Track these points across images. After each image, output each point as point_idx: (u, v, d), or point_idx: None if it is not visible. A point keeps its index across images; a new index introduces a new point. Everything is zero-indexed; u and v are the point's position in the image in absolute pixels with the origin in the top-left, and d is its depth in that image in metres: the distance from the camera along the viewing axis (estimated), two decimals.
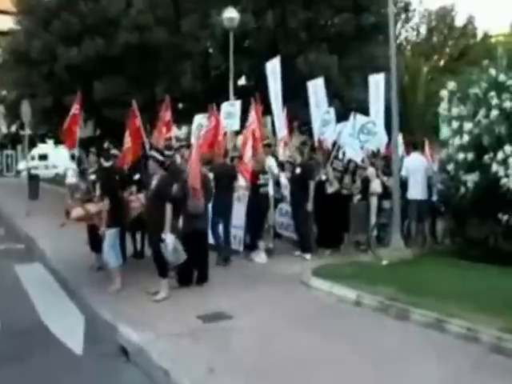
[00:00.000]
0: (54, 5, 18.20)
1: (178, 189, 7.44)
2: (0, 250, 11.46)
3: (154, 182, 6.99)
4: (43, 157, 36.60)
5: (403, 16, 29.18)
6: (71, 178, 18.76)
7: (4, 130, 34.93)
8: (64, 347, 5.60)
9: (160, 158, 7.09)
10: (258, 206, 9.86)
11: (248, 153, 9.65)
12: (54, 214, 15.18)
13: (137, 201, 8.21)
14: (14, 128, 31.82)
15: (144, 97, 18.40)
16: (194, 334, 5.64)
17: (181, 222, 7.51)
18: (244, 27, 14.64)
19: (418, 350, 5.32)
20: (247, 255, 9.78)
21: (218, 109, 11.87)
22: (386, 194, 10.72)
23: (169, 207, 6.66)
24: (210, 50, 17.59)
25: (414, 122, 19.68)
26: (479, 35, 31.69)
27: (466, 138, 9.08)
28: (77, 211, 7.82)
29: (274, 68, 12.15)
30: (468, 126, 9.04)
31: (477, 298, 6.40)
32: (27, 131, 17.40)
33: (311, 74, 15.16)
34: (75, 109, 10.63)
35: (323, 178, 10.51)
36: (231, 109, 11.62)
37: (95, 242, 8.68)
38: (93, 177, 8.49)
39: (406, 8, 27.50)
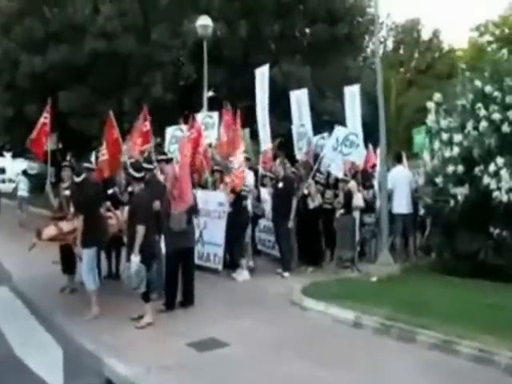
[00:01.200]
0: (15, 10, 17.51)
1: (160, 205, 7.06)
2: None
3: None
4: (1, 170, 35.35)
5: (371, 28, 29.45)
6: (23, 191, 18.21)
7: None
8: (43, 382, 5.08)
9: (136, 174, 6.71)
10: (239, 221, 9.51)
11: (236, 164, 9.30)
12: (16, 231, 14.66)
13: (114, 217, 7.84)
14: None
15: (111, 107, 17.90)
16: (188, 365, 5.24)
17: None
18: (217, 36, 14.34)
19: (428, 374, 5.07)
20: (228, 274, 9.39)
21: (186, 122, 11.58)
22: (367, 208, 10.62)
23: (140, 228, 6.27)
24: (181, 60, 17.15)
25: (387, 135, 19.66)
26: (445, 48, 32.41)
27: (455, 149, 8.98)
28: (49, 230, 7.27)
29: (262, 76, 11.84)
30: (458, 137, 8.96)
31: (480, 318, 6.22)
32: None
33: (285, 85, 15.04)
34: (44, 117, 10.01)
35: (305, 192, 10.26)
36: (209, 120, 11.30)
37: (68, 263, 8.28)
38: (67, 192, 8.04)
39: (373, 21, 27.60)
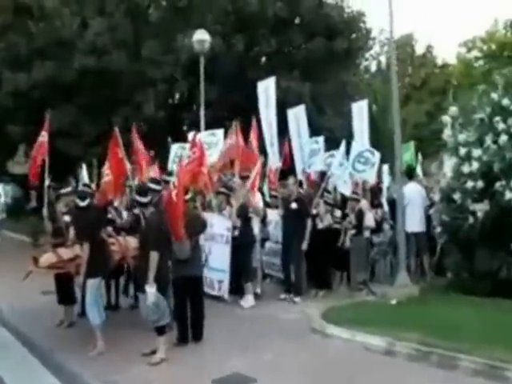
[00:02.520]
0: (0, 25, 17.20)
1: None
2: None
3: (142, 225, 6.33)
4: None
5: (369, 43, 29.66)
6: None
7: None
8: None
9: (141, 199, 6.37)
10: (246, 244, 9.19)
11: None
12: (2, 261, 14.10)
13: (116, 244, 7.41)
14: None
15: (98, 127, 17.61)
16: None
17: None
18: (212, 51, 14.14)
19: None
20: (234, 300, 9.06)
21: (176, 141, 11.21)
22: (376, 227, 10.38)
23: (154, 255, 5.90)
24: (175, 76, 16.92)
25: (387, 151, 19.64)
26: (439, 63, 32.77)
27: (475, 164, 8.81)
28: (47, 257, 6.90)
29: (266, 89, 11.53)
30: (477, 152, 8.80)
31: None
32: None
33: (284, 101, 14.84)
34: (42, 136, 9.54)
35: (313, 212, 9.98)
36: (212, 139, 10.99)
37: (64, 293, 7.85)
38: (66, 218, 7.67)
39: (368, 37, 27.89)
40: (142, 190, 6.60)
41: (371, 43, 32.42)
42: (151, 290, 5.77)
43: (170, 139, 11.59)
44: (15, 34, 17.08)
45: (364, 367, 5.89)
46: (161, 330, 6.10)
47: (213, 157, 10.70)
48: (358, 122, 12.64)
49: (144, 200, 6.31)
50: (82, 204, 6.83)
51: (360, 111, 12.64)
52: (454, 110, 9.59)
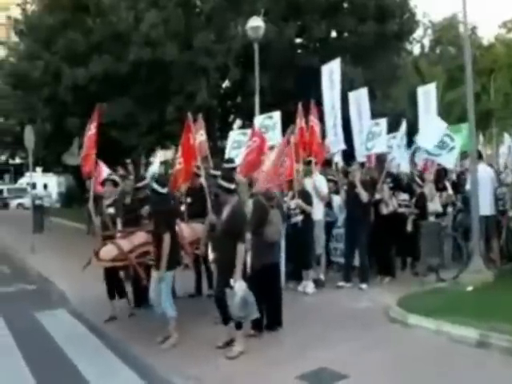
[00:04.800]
0: (59, 23, 17.06)
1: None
2: (11, 293, 10.04)
3: (224, 216, 5.71)
4: (33, 186, 35.15)
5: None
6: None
7: None
8: None
9: (229, 185, 5.77)
10: (305, 230, 8.59)
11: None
12: (62, 249, 14.08)
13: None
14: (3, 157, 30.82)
15: (152, 118, 17.37)
16: None
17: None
18: (265, 38, 13.50)
19: None
20: (291, 288, 8.50)
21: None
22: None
23: (241, 247, 5.42)
24: (227, 64, 16.40)
25: None
26: (484, 44, 31.23)
27: None
28: (108, 250, 6.42)
29: (330, 72, 10.94)
30: None
31: None
32: (30, 159, 15.99)
33: None
34: (92, 129, 8.96)
35: (377, 197, 9.28)
36: (269, 122, 10.37)
37: (114, 287, 7.40)
38: (111, 210, 7.26)
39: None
40: (229, 177, 6.07)
41: (414, 26, 31.47)
42: (240, 284, 5.27)
43: (256, 125, 10.78)
44: (73, 31, 16.92)
45: (457, 361, 5.26)
46: (239, 324, 5.60)
47: (273, 140, 10.09)
48: (423, 106, 11.90)
49: (231, 186, 5.76)
50: (163, 190, 6.22)
51: (427, 95, 11.89)
52: None
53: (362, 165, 10.47)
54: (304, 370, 4.95)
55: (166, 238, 5.92)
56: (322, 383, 4.70)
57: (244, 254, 5.49)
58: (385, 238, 9.14)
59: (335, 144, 10.98)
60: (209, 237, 6.75)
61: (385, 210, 9.22)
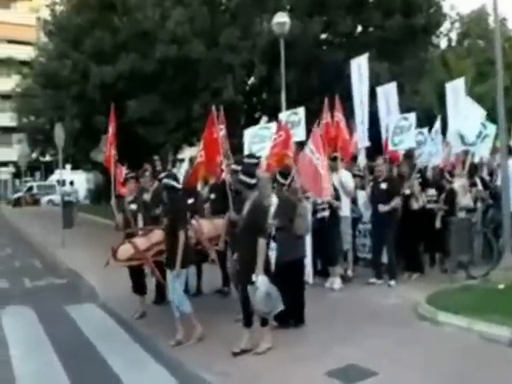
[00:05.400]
0: (86, 22, 17.26)
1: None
2: (42, 286, 10.23)
3: (245, 211, 5.60)
4: (63, 183, 35.81)
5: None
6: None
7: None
8: None
9: (250, 180, 5.67)
10: (330, 227, 8.49)
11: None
12: (92, 244, 14.25)
13: (191, 229, 6.74)
14: (34, 155, 31.32)
15: (179, 115, 17.44)
16: None
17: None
18: (291, 33, 13.40)
19: None
20: (319, 284, 8.44)
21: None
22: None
23: (262, 242, 5.32)
24: (253, 61, 16.36)
25: None
26: None
27: None
28: (125, 249, 6.36)
29: (359, 67, 10.84)
30: None
31: None
32: (60, 156, 16.24)
33: None
34: (110, 130, 9.01)
35: (407, 192, 9.11)
36: (295, 117, 10.29)
37: (139, 282, 7.38)
38: (133, 206, 7.21)
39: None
40: (250, 172, 5.98)
41: (442, 19, 30.83)
42: (262, 279, 5.19)
43: (282, 119, 10.69)
44: (101, 30, 17.09)
45: (488, 360, 5.12)
46: (265, 321, 5.51)
47: (298, 136, 10.01)
48: (451, 101, 11.64)
49: (252, 181, 5.67)
50: (178, 185, 6.13)
51: (455, 91, 11.65)
52: None
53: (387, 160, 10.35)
54: (332, 367, 4.88)
55: (182, 235, 5.82)
56: (350, 380, 4.61)
57: (266, 249, 5.39)
58: (413, 233, 8.98)
59: (362, 139, 10.83)
60: (228, 233, 6.70)
61: (415, 206, 9.07)
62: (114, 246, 6.38)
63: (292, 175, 6.93)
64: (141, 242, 6.45)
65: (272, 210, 6.52)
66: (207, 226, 7.03)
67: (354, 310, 7.02)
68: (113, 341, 6.35)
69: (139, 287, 7.42)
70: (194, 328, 6.00)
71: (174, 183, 6.08)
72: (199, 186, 8.83)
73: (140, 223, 7.17)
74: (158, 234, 6.41)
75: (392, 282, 8.46)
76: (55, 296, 9.15)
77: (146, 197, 7.68)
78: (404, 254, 9.26)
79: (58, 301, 8.64)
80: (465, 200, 9.15)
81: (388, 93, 11.42)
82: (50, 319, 7.51)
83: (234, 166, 6.84)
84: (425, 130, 10.57)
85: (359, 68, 10.84)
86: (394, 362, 5.01)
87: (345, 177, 9.14)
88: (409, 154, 10.36)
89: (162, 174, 7.30)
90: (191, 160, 9.00)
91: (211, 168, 7.29)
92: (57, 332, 6.85)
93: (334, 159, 9.30)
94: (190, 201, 8.23)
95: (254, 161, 8.13)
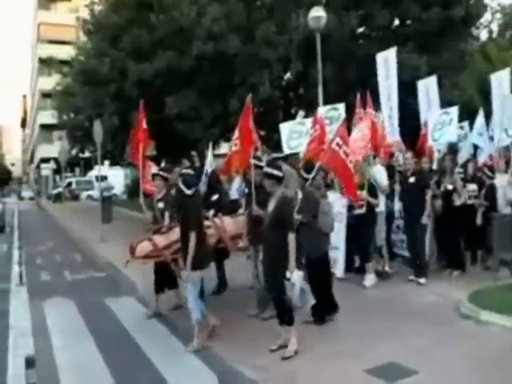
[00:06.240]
0: (124, 21, 17.47)
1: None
2: (81, 279, 10.45)
3: (272, 205, 5.45)
4: (104, 178, 36.46)
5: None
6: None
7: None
8: None
9: (277, 173, 5.53)
10: (365, 223, 8.35)
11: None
12: (129, 239, 14.35)
13: (213, 227, 6.70)
14: (74, 151, 31.97)
15: (216, 110, 17.48)
16: None
17: None
18: (327, 28, 13.23)
19: None
20: (351, 280, 8.32)
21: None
22: None
23: (292, 237, 5.17)
24: (289, 56, 16.25)
25: None
26: None
27: None
28: (143, 247, 6.31)
29: (386, 61, 10.60)
30: None
31: None
32: (99, 152, 16.51)
33: (398, 75, 13.73)
34: (140, 127, 8.89)
35: (449, 187, 8.88)
36: (334, 113, 10.13)
37: (163, 281, 7.21)
38: (161, 205, 7.11)
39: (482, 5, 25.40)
40: (277, 165, 5.85)
41: (482, 10, 29.88)
42: (297, 274, 5.13)
43: (320, 113, 10.52)
44: (138, 28, 17.26)
45: None
46: (291, 320, 5.35)
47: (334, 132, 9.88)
48: (496, 94, 11.27)
49: (280, 174, 5.53)
50: (189, 192, 5.85)
51: (500, 83, 11.27)
52: None
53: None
54: (371, 364, 4.79)
55: (192, 236, 5.64)
56: (390, 379, 4.50)
57: (295, 245, 5.25)
58: (454, 230, 8.77)
59: (391, 134, 10.58)
60: (249, 230, 6.56)
61: (458, 202, 8.83)
62: (133, 243, 6.35)
63: (316, 170, 6.82)
64: (160, 239, 6.40)
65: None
66: (230, 224, 6.92)
67: (391, 307, 6.88)
68: (151, 334, 6.40)
69: (165, 284, 7.25)
70: (194, 336, 5.80)
71: (182, 187, 5.89)
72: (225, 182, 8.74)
73: (166, 221, 7.01)
74: (177, 232, 6.25)
75: (422, 280, 8.21)
76: (95, 289, 9.33)
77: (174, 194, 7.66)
78: (445, 251, 9.06)
79: (97, 293, 8.79)
80: (506, 196, 8.83)
81: (428, 86, 11.15)
82: (90, 311, 7.66)
83: (255, 161, 6.62)
84: (465, 124, 10.29)
85: (386, 62, 10.56)
86: (435, 361, 4.88)
87: (379, 173, 8.97)
88: (453, 149, 10.13)
89: (185, 171, 7.28)
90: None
91: (245, 158, 7.02)
92: (97, 323, 6.98)
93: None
94: (215, 197, 8.22)
95: (280, 154, 8.03)
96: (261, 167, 6.50)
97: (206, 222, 6.46)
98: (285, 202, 5.43)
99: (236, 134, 7.15)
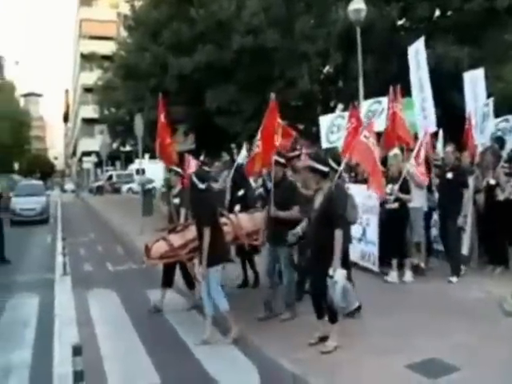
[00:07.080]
0: (165, 15, 17.66)
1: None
2: (123, 271, 10.66)
3: (319, 200, 5.32)
4: (143, 172, 36.95)
5: None
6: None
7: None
8: None
9: (324, 168, 5.38)
10: (399, 218, 8.19)
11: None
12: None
13: (229, 224, 6.59)
14: (115, 145, 32.56)
15: (254, 104, 17.47)
16: None
17: None
18: (367, 20, 13.03)
19: None
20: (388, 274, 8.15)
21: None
22: None
23: (339, 234, 5.03)
24: (328, 49, 16.10)
25: None
26: None
27: None
28: (159, 246, 6.20)
29: (416, 53, 10.33)
30: None
31: None
32: (140, 146, 16.76)
33: (439, 68, 13.40)
34: (161, 119, 8.54)
35: (492, 182, 8.64)
36: (377, 106, 9.97)
37: (169, 277, 7.29)
38: (176, 200, 7.07)
39: None
40: (323, 159, 5.72)
41: None
42: (341, 272, 4.99)
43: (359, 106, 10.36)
44: (178, 23, 17.42)
45: None
46: (334, 318, 5.28)
47: (380, 126, 9.68)
48: None
49: (326, 169, 5.44)
50: (202, 186, 5.81)
51: None
52: None
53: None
54: (412, 360, 4.71)
55: (206, 232, 5.59)
56: (432, 375, 4.42)
57: (341, 242, 5.11)
58: (497, 225, 8.53)
59: (425, 125, 10.27)
60: (268, 229, 6.46)
61: (501, 196, 8.59)
62: (148, 243, 6.28)
63: (344, 162, 6.72)
64: (175, 238, 6.30)
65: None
66: (246, 221, 6.83)
67: (432, 303, 6.72)
68: (192, 325, 6.48)
69: (170, 280, 7.33)
70: (231, 326, 5.83)
71: (196, 181, 5.82)
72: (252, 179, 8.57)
73: (182, 218, 6.99)
74: (192, 231, 6.15)
75: (453, 279, 7.94)
76: (136, 280, 9.50)
77: None
78: (488, 247, 8.84)
79: (138, 285, 8.97)
80: None
81: (475, 79, 10.80)
82: (132, 302, 7.82)
83: (276, 158, 6.45)
84: (511, 117, 9.95)
85: (416, 54, 10.25)
86: (478, 358, 4.77)
87: (413, 167, 8.80)
88: (497, 143, 9.83)
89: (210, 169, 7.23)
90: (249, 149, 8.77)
91: (267, 159, 6.67)
92: (138, 314, 7.12)
93: (401, 150, 9.01)
94: (240, 193, 8.20)
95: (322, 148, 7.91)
96: (282, 164, 6.45)
97: (223, 220, 6.38)
98: (334, 198, 5.26)
99: (258, 135, 6.99)
